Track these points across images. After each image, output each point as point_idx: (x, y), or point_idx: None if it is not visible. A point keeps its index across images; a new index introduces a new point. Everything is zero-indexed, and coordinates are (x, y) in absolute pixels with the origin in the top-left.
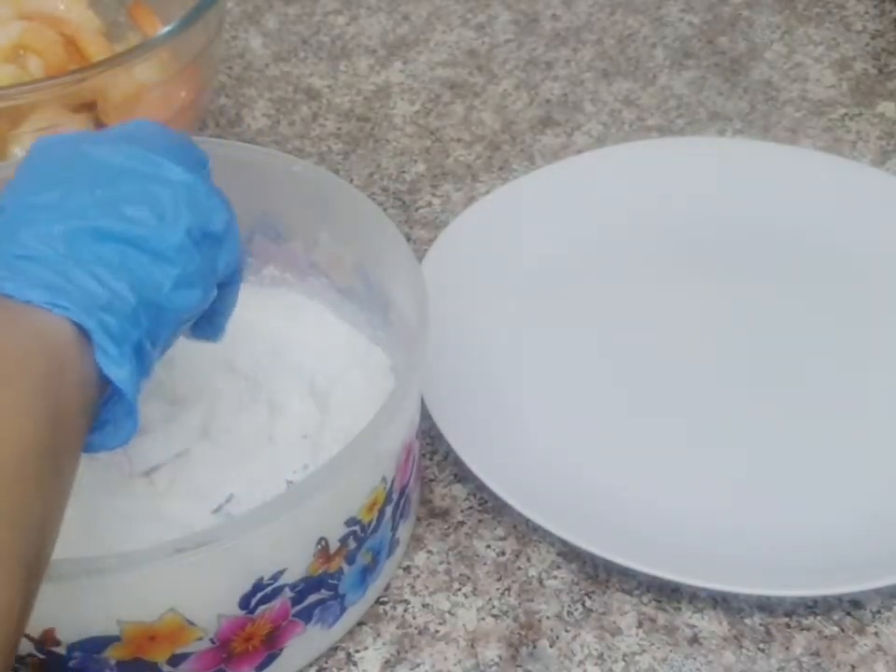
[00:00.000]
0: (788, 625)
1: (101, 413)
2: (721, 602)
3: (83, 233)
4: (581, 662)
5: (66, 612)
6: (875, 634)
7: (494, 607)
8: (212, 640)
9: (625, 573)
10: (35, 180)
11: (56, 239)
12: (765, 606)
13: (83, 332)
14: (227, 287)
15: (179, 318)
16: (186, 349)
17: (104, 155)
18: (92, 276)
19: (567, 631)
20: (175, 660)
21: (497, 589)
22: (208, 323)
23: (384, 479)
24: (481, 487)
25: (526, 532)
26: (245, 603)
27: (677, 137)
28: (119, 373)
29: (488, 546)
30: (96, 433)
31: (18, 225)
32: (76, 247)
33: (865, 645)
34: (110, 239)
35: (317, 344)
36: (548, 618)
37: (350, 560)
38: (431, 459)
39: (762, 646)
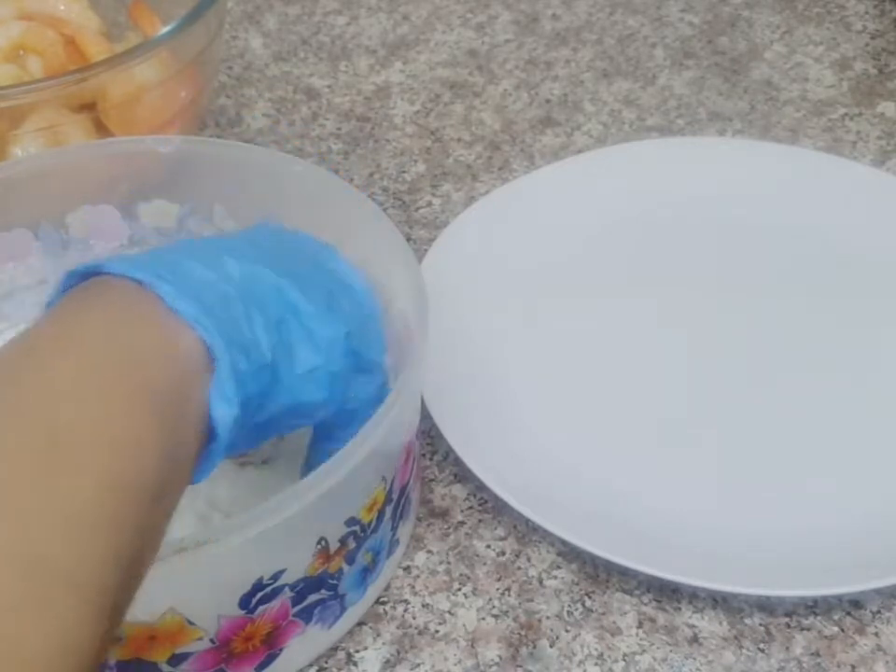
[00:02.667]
0: (788, 625)
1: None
2: (720, 602)
3: (260, 280)
4: (581, 662)
5: None
6: (876, 634)
7: (494, 607)
8: (212, 640)
9: (625, 573)
10: (244, 236)
11: (232, 270)
12: (765, 606)
13: (210, 361)
14: (353, 416)
15: (290, 405)
16: None
17: (316, 250)
18: (248, 318)
19: (567, 631)
20: (175, 660)
21: (497, 589)
22: (315, 454)
23: (383, 479)
24: (481, 487)
25: (526, 532)
26: (244, 603)
27: (677, 137)
28: (224, 413)
29: (488, 546)
30: None
31: (206, 248)
32: (247, 286)
33: (865, 645)
34: (281, 299)
35: None
36: (548, 618)
37: (350, 560)
38: (431, 459)
39: (762, 646)
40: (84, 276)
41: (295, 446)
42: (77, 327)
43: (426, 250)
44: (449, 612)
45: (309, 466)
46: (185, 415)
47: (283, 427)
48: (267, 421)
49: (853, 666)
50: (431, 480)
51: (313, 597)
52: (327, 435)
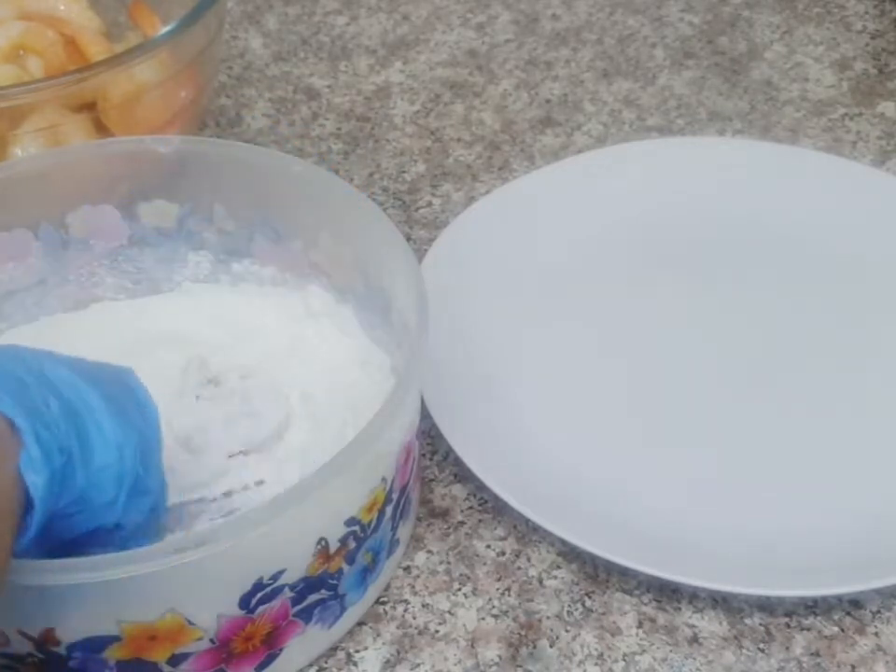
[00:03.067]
0: (788, 625)
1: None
2: (720, 602)
3: (57, 373)
4: (581, 662)
5: (66, 612)
6: (876, 634)
7: (494, 607)
8: (212, 640)
9: (625, 573)
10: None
11: (30, 364)
12: (765, 606)
13: (14, 438)
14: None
15: (89, 499)
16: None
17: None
18: (46, 402)
19: (567, 631)
20: (175, 660)
21: (497, 589)
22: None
23: (383, 479)
24: (481, 487)
25: (526, 532)
26: (244, 603)
27: (677, 137)
28: (37, 479)
29: (488, 546)
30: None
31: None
32: (45, 376)
33: (865, 645)
34: (76, 392)
35: (317, 344)
36: (548, 618)
37: (350, 560)
38: (431, 459)
39: (762, 646)
40: None
41: (287, 466)
42: None
43: (426, 250)
44: (449, 612)
45: None
46: None
47: (68, 528)
48: (59, 515)
49: (853, 666)
50: (431, 480)
51: (313, 597)
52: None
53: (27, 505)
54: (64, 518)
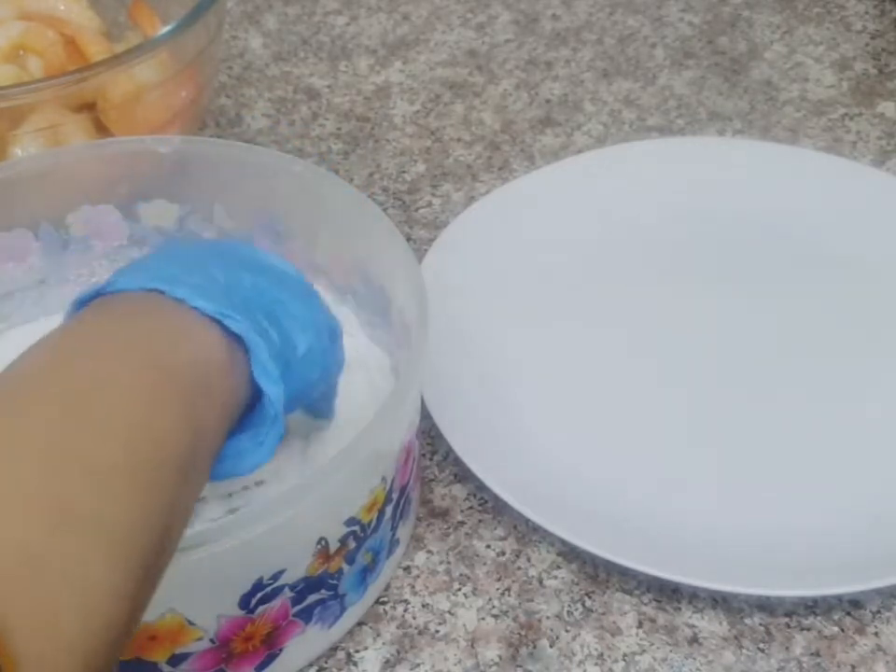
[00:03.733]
0: (788, 625)
1: (240, 443)
2: (721, 602)
3: (240, 279)
4: (581, 662)
5: None
6: (875, 634)
7: (494, 607)
8: (212, 640)
9: (625, 573)
10: (183, 246)
11: (218, 276)
12: (765, 606)
13: (237, 353)
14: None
15: (299, 388)
16: None
17: (238, 245)
18: (250, 311)
19: (567, 631)
20: (175, 660)
21: (497, 589)
22: (318, 406)
23: (383, 479)
24: (481, 487)
25: (526, 532)
26: (244, 603)
27: (677, 137)
28: (276, 391)
29: (488, 546)
30: (227, 461)
31: (185, 259)
32: (235, 287)
33: (865, 645)
34: (264, 293)
35: None
36: (548, 618)
37: (350, 560)
38: (431, 459)
39: (762, 646)
40: (89, 302)
41: (287, 466)
42: (95, 332)
43: (426, 250)
44: (449, 612)
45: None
46: (210, 397)
47: (297, 401)
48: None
49: (853, 666)
50: (431, 480)
51: (313, 597)
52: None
53: (262, 417)
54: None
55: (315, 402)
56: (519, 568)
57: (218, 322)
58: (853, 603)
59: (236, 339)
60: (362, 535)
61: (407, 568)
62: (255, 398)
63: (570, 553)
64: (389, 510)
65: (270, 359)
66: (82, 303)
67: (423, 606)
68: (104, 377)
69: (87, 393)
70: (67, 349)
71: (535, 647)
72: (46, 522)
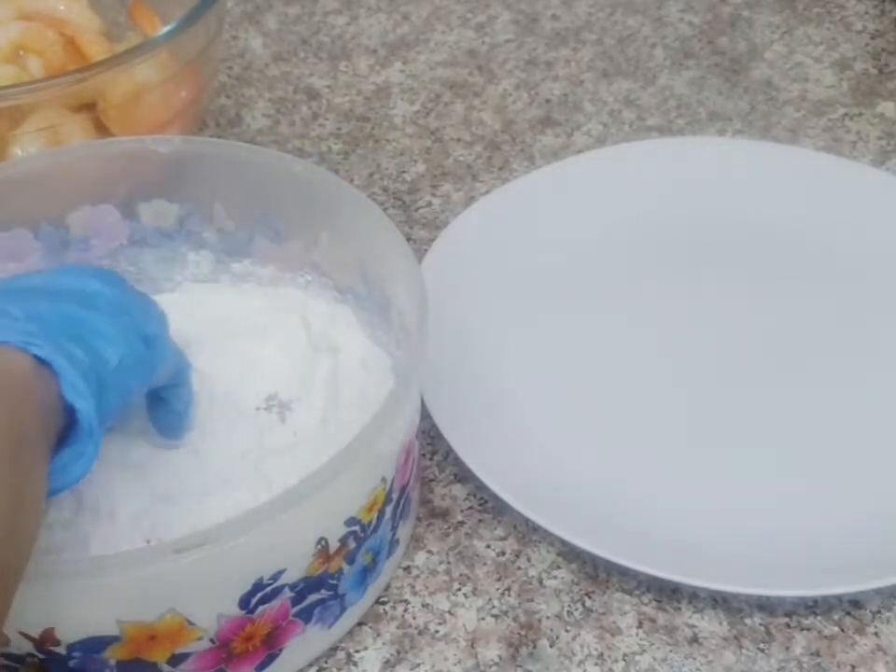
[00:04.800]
0: (788, 625)
1: (62, 459)
2: (721, 602)
3: (50, 310)
4: (581, 662)
5: (66, 612)
6: (875, 634)
7: (494, 607)
8: (212, 640)
9: (625, 573)
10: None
11: (31, 308)
12: (765, 606)
13: (45, 373)
14: (176, 388)
15: (119, 402)
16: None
17: (45, 275)
18: (52, 336)
19: (567, 631)
20: (175, 660)
21: (497, 589)
22: (169, 424)
23: (383, 479)
24: (481, 487)
25: (526, 532)
26: (244, 603)
27: (677, 137)
28: (86, 405)
29: (488, 546)
30: (55, 475)
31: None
32: (44, 316)
33: (865, 645)
34: (70, 318)
35: (317, 344)
36: (548, 618)
37: (350, 560)
38: (431, 459)
39: (762, 646)
40: None
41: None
42: None
43: (426, 250)
44: (449, 612)
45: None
46: (24, 401)
47: (120, 409)
48: (107, 415)
49: (853, 666)
50: (431, 480)
51: (313, 597)
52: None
53: (78, 432)
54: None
55: (157, 416)
56: (519, 568)
57: (25, 350)
58: (853, 603)
59: (44, 364)
60: (362, 535)
61: (407, 568)
62: (72, 417)
63: (570, 553)
64: (389, 510)
65: (77, 377)
66: None
67: (423, 606)
68: None
69: None
70: None
71: (535, 647)
72: None
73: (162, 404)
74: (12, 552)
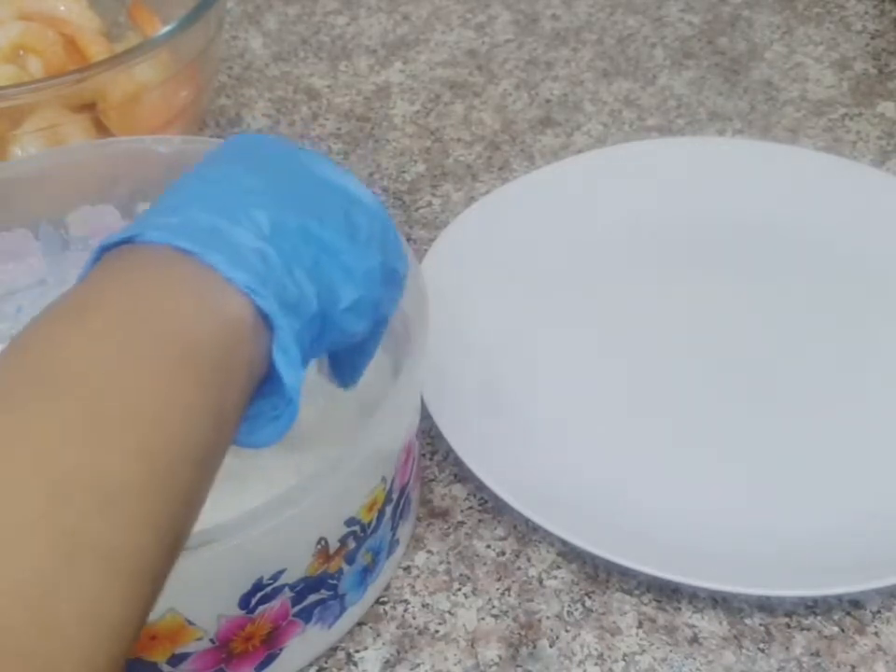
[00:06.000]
0: (788, 625)
1: (255, 408)
2: (721, 602)
3: (288, 228)
4: (581, 662)
5: None
6: (876, 634)
7: (494, 607)
8: (212, 640)
9: (625, 573)
10: (243, 162)
11: (262, 225)
12: (765, 606)
13: (264, 321)
14: (371, 338)
15: (338, 339)
16: None
17: (311, 162)
18: (289, 273)
19: (567, 631)
20: (175, 660)
21: (497, 589)
22: (347, 368)
23: (383, 479)
24: (481, 487)
25: (526, 532)
26: (244, 603)
27: (677, 137)
28: (293, 377)
29: (488, 546)
30: (244, 433)
31: (226, 197)
32: (279, 239)
33: (865, 645)
34: (311, 241)
35: None
36: (548, 618)
37: (350, 560)
38: (431, 459)
39: (762, 646)
40: (110, 249)
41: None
42: (114, 292)
43: (426, 250)
44: (449, 612)
45: (342, 378)
46: (231, 379)
47: (333, 347)
48: (322, 351)
49: (853, 666)
50: (431, 480)
51: (313, 597)
52: (359, 350)
53: (276, 389)
54: (327, 348)
55: (342, 360)
56: (519, 568)
57: (247, 296)
58: (853, 603)
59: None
60: (362, 535)
61: (407, 568)
62: (273, 368)
63: (570, 553)
64: (389, 510)
65: (292, 342)
66: (105, 249)
67: (423, 606)
68: (115, 364)
69: (96, 389)
70: (77, 326)
71: (535, 647)
72: (58, 552)
73: (354, 350)
74: (175, 554)
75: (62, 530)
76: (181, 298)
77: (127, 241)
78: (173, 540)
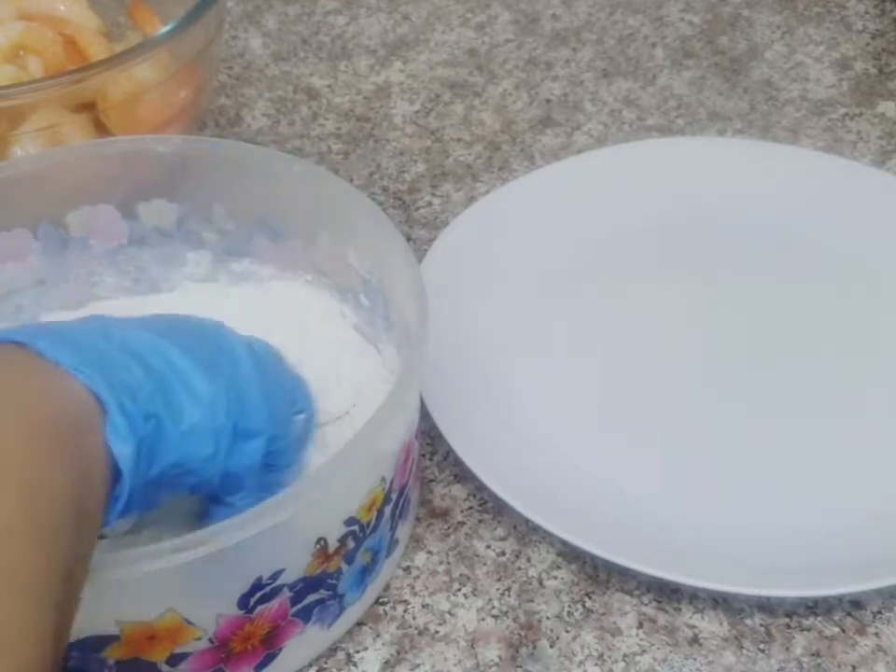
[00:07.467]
0: (788, 626)
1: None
2: (721, 602)
3: (140, 339)
4: (581, 662)
5: None
6: (876, 634)
7: (494, 607)
8: (211, 640)
9: (625, 573)
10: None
11: (114, 332)
12: (765, 606)
13: (101, 409)
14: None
15: (177, 461)
16: None
17: (212, 325)
18: (128, 368)
19: (567, 631)
20: (174, 660)
21: (497, 589)
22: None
23: (383, 479)
24: (481, 487)
25: (526, 532)
26: (243, 602)
27: (677, 137)
28: (124, 449)
29: (488, 546)
30: None
31: (88, 320)
32: (127, 344)
33: (866, 645)
34: (161, 356)
35: (316, 344)
36: (548, 618)
37: (349, 560)
38: (431, 459)
39: (762, 646)
40: None
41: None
42: None
43: (426, 250)
44: (449, 613)
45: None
46: (85, 450)
47: (172, 486)
48: (157, 479)
49: (853, 667)
50: (431, 480)
51: (312, 597)
52: (216, 502)
53: (116, 477)
54: (166, 481)
55: (211, 494)
56: (519, 569)
57: (74, 376)
58: (853, 603)
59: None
60: (361, 535)
61: (407, 569)
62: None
63: (570, 554)
64: (388, 509)
65: (121, 416)
66: None
67: (423, 606)
68: None
69: None
70: None
71: (535, 647)
72: None
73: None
74: (71, 596)
75: None
76: (23, 378)
77: None
78: (64, 577)
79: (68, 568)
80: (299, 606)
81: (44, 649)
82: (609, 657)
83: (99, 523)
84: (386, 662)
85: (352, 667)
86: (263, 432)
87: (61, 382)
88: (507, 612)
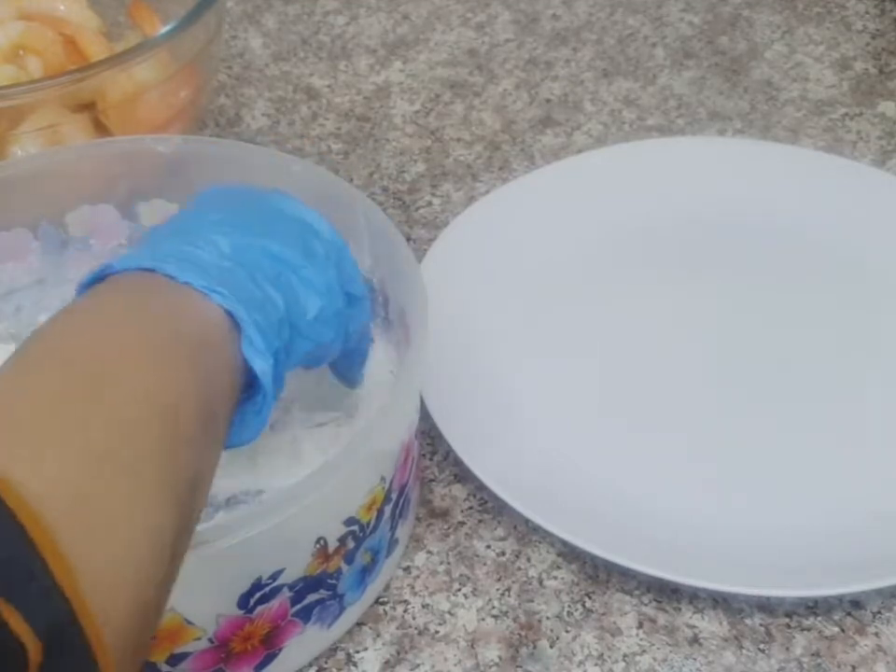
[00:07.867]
0: (788, 626)
1: (241, 412)
2: (721, 602)
3: (248, 245)
4: (581, 662)
5: None
6: (876, 634)
7: (494, 607)
8: (210, 640)
9: (625, 573)
10: (211, 204)
11: (222, 245)
12: (765, 606)
13: (233, 325)
14: (357, 346)
15: (309, 350)
16: None
17: (277, 200)
18: (252, 279)
19: (567, 631)
20: (174, 659)
21: (497, 589)
22: (345, 372)
23: (382, 478)
24: (481, 487)
25: (526, 532)
26: (243, 602)
27: (677, 137)
28: (263, 365)
29: (488, 546)
30: (233, 429)
31: (191, 230)
32: (240, 256)
33: (866, 645)
34: (271, 258)
35: None
36: (548, 618)
37: (349, 560)
38: (431, 459)
39: (762, 646)
40: (91, 285)
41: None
42: (100, 305)
43: (426, 250)
44: (449, 613)
45: (346, 380)
46: (218, 365)
47: (307, 362)
48: (295, 364)
49: (853, 667)
50: (431, 480)
51: (312, 597)
52: (351, 355)
53: (252, 383)
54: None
55: (340, 366)
56: (519, 569)
57: (207, 296)
58: (853, 603)
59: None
60: (361, 534)
61: (407, 569)
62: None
63: (570, 553)
64: (388, 509)
65: (257, 332)
66: (84, 287)
67: (423, 606)
68: (118, 343)
69: (107, 359)
70: (80, 320)
71: (535, 647)
72: (90, 468)
73: (345, 357)
74: (186, 534)
75: (91, 451)
76: (156, 299)
77: (98, 277)
78: (191, 482)
79: (193, 472)
80: (299, 606)
81: (163, 543)
82: (609, 657)
83: (223, 435)
84: (386, 662)
85: (352, 667)
86: (364, 296)
87: (192, 302)
88: (507, 612)
